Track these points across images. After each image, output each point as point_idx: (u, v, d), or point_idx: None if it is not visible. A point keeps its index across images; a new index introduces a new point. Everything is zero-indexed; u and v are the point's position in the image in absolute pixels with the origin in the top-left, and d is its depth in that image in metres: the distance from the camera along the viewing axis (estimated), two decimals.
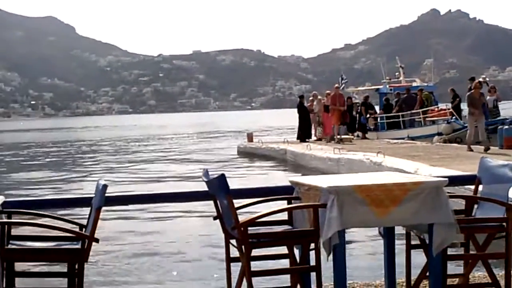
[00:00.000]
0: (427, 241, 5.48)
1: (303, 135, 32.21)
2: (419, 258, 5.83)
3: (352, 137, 32.32)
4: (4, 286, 5.05)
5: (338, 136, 29.93)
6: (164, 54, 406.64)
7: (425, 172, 15.03)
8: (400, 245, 5.86)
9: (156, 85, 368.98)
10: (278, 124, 73.66)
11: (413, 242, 5.86)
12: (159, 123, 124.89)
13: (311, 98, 34.67)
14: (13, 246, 5.23)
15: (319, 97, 33.80)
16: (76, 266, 5.21)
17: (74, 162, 35.55)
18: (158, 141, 56.11)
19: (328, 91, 33.54)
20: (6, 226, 5.14)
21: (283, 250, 5.66)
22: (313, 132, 33.68)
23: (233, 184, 5.56)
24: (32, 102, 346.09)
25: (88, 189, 18.69)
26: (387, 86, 38.18)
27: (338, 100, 30.70)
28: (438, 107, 33.93)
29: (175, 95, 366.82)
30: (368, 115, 34.80)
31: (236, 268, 5.53)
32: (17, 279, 5.31)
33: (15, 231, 5.50)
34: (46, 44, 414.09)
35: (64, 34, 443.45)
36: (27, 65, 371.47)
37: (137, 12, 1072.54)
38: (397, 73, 40.68)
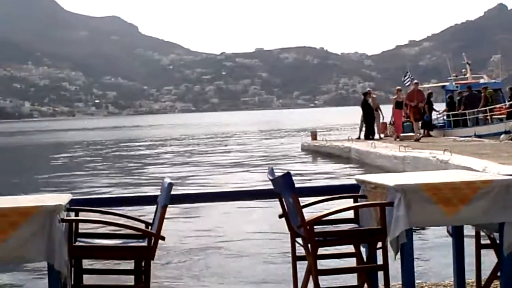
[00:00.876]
0: (497, 241, 5.36)
1: (368, 132, 31.92)
2: (489, 258, 5.71)
3: (420, 135, 31.76)
4: (72, 283, 5.10)
5: (419, 134, 29.39)
6: (227, 52, 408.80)
7: (494, 170, 14.72)
8: (469, 245, 5.75)
9: (219, 83, 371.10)
10: (342, 121, 73.35)
11: (482, 242, 5.74)
12: (222, 121, 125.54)
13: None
14: (81, 244, 5.28)
15: (373, 95, 33.33)
16: (143, 264, 5.24)
17: (139, 160, 35.90)
18: (221, 139, 56.33)
19: (398, 87, 33.04)
20: (73, 223, 5.19)
21: (350, 248, 5.60)
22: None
23: (298, 182, 5.52)
24: (96, 101, 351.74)
25: (154, 187, 18.86)
26: (453, 83, 37.58)
27: (417, 96, 30.02)
28: (506, 105, 33.17)
29: (238, 93, 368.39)
30: (440, 112, 34.46)
31: (302, 266, 5.49)
32: (85, 276, 5.37)
33: (82, 229, 5.55)
34: (110, 43, 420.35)
35: (127, 33, 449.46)
36: (91, 64, 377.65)
37: (200, 11, 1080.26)
38: (463, 70, 40.03)
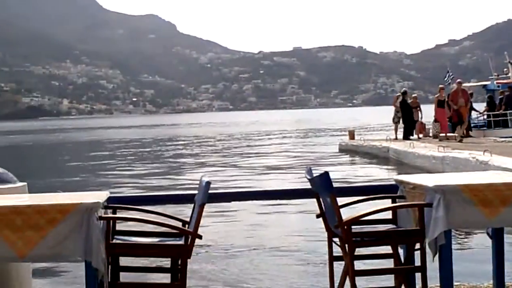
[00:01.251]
0: None
1: (406, 132, 31.67)
2: None
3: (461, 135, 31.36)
4: (109, 280, 5.13)
5: (459, 135, 29.12)
6: (265, 51, 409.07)
7: None
8: (509, 247, 5.67)
9: (256, 82, 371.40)
10: (380, 121, 72.93)
11: None
12: (259, 120, 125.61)
13: (398, 94, 33.79)
14: (118, 241, 5.31)
15: (414, 94, 33.04)
16: (179, 262, 5.25)
17: (176, 159, 36.05)
18: (258, 138, 56.36)
19: (441, 85, 32.73)
20: (111, 221, 5.22)
21: (387, 249, 5.56)
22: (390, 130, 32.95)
23: (336, 182, 5.49)
24: (134, 99, 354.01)
25: (191, 186, 18.92)
26: (495, 83, 37.15)
27: (462, 95, 29.37)
28: None
29: (275, 92, 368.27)
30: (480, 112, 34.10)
31: (339, 267, 5.46)
32: (121, 273, 5.40)
33: (119, 226, 5.58)
34: (148, 41, 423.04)
35: (165, 31, 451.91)
36: (128, 62, 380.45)
37: (238, 9, 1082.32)
38: (505, 69, 39.57)
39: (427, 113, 33.43)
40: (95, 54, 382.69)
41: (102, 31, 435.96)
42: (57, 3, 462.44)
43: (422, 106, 33.36)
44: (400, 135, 31.97)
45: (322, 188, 5.38)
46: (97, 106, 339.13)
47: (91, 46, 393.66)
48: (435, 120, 31.36)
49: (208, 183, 5.20)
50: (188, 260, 5.14)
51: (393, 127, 33.20)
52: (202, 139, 58.83)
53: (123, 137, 68.86)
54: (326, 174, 5.27)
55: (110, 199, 5.50)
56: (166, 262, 5.50)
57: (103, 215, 5.12)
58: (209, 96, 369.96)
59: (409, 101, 32.71)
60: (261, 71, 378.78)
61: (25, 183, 6.05)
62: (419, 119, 32.80)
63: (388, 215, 5.75)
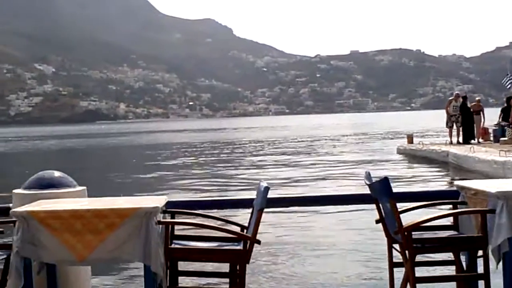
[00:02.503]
0: None
1: (466, 136, 31.21)
2: None
3: None
4: (167, 284, 5.14)
5: None
6: (322, 55, 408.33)
7: None
8: None
9: (313, 86, 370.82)
10: (438, 125, 72.11)
11: None
12: (316, 124, 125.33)
13: (450, 98, 33.22)
14: (177, 246, 5.33)
15: (460, 98, 32.47)
16: (238, 267, 5.24)
17: (233, 163, 36.10)
18: (315, 142, 56.20)
19: None
20: (169, 226, 5.23)
21: (449, 256, 5.47)
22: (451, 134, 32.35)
23: (395, 187, 5.42)
24: (190, 103, 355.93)
25: (249, 191, 18.93)
26: None
27: None
28: None
29: (332, 95, 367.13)
30: None
31: (399, 273, 5.39)
32: (180, 278, 5.41)
33: (177, 231, 5.59)
34: (204, 45, 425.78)
35: (222, 35, 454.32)
36: (185, 66, 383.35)
37: (294, 13, 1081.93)
38: None
39: (488, 117, 32.91)
40: (152, 58, 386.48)
41: (159, 35, 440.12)
42: (115, 7, 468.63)
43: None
44: (455, 139, 31.57)
45: (382, 194, 5.32)
46: (154, 110, 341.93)
47: (148, 50, 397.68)
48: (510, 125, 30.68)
49: (267, 188, 5.18)
50: (247, 265, 5.12)
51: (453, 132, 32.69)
52: (260, 143, 58.86)
53: (180, 141, 69.28)
54: (385, 179, 5.21)
55: (169, 204, 5.52)
56: (225, 267, 5.49)
57: (162, 220, 5.14)
58: (266, 100, 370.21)
59: (469, 105, 32.22)
60: (318, 75, 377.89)
61: (84, 187, 6.10)
62: (482, 123, 32.30)
63: (449, 221, 5.66)
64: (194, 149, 52.76)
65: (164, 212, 5.36)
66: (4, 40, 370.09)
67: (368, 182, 5.54)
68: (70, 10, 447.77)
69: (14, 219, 5.13)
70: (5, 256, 5.41)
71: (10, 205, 5.95)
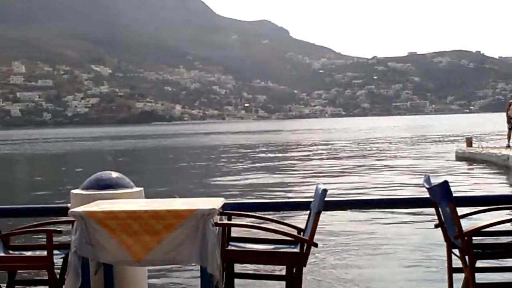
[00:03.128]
0: None
1: None
2: None
3: None
4: (223, 286, 5.13)
5: None
6: (379, 56, 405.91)
7: None
8: None
9: (370, 88, 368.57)
10: (498, 128, 71.05)
11: None
12: (373, 126, 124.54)
13: (511, 101, 32.57)
14: (233, 248, 5.30)
15: None
16: (294, 270, 5.20)
17: (289, 165, 36.04)
18: (372, 145, 55.84)
19: None
20: (226, 227, 5.22)
21: (511, 262, 5.34)
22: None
23: (454, 191, 5.32)
24: (246, 105, 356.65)
25: (305, 193, 18.87)
26: None
27: None
28: None
29: (389, 97, 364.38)
30: None
31: (458, 279, 5.28)
32: (236, 280, 5.38)
33: (234, 233, 5.58)
34: (260, 47, 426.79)
35: (278, 37, 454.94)
36: (241, 68, 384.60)
37: (351, 14, 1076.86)
38: None
39: None
40: (208, 60, 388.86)
41: (215, 36, 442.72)
42: (171, 9, 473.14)
43: None
44: None
45: (442, 197, 5.22)
46: (209, 111, 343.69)
47: (204, 52, 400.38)
48: None
49: (325, 190, 5.13)
50: (304, 268, 5.08)
51: None
52: (316, 145, 58.73)
53: (236, 142, 69.47)
54: (445, 183, 5.11)
55: (225, 206, 5.51)
56: (281, 270, 5.45)
57: (219, 222, 5.12)
58: (322, 102, 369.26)
59: None
60: (375, 77, 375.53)
61: (141, 188, 6.12)
62: None
63: (510, 227, 5.53)
64: (251, 150, 52.83)
65: (221, 214, 5.35)
66: (63, 42, 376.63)
67: (427, 186, 5.45)
68: (128, 13, 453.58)
69: (72, 219, 5.17)
70: (63, 255, 5.46)
71: (68, 205, 6.01)
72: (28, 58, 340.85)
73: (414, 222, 13.98)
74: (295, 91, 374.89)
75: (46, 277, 5.37)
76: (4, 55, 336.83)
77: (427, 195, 5.53)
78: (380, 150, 47.17)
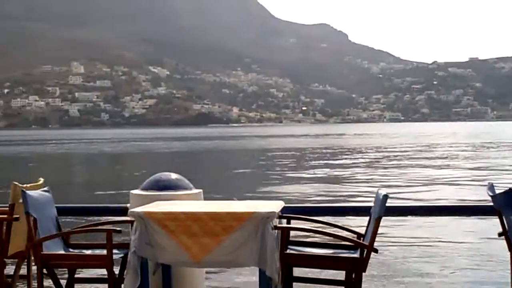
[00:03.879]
0: None
1: None
2: None
3: None
4: None
5: None
6: (439, 61, 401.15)
7: None
8: None
9: (429, 93, 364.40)
10: None
11: None
12: (433, 132, 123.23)
13: None
14: (292, 251, 5.28)
15: None
16: (353, 275, 5.15)
17: (348, 170, 35.80)
18: (433, 151, 55.23)
19: None
20: (286, 231, 5.20)
21: None
22: None
23: None
24: (303, 108, 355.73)
25: (366, 198, 18.72)
26: None
27: None
28: None
29: (449, 103, 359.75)
30: None
31: None
32: (294, 284, 5.36)
33: (292, 236, 5.55)
34: (319, 50, 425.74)
35: (337, 41, 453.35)
36: (299, 71, 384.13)
37: (411, 18, 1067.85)
38: None
39: None
40: (265, 63, 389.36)
41: (273, 39, 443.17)
42: (230, 12, 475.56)
43: None
44: None
45: (506, 206, 5.11)
46: (267, 114, 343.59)
47: (262, 55, 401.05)
48: None
49: (386, 196, 5.07)
50: (363, 273, 5.03)
51: None
52: (377, 150, 58.35)
53: (294, 146, 69.38)
54: (510, 191, 5.00)
55: (284, 209, 5.48)
56: (340, 275, 5.39)
57: (278, 225, 5.10)
58: (380, 106, 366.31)
59: None
60: (435, 82, 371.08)
61: (200, 190, 6.13)
62: None
63: None
64: (311, 154, 52.71)
65: (280, 217, 5.33)
66: (121, 43, 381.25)
67: (491, 194, 5.33)
68: (187, 15, 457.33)
69: (131, 219, 5.21)
70: (122, 255, 5.51)
71: (128, 205, 6.05)
72: (87, 58, 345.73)
73: (476, 230, 13.74)
74: (353, 95, 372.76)
75: (105, 276, 5.43)
76: (63, 56, 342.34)
77: (490, 203, 5.42)
78: (442, 156, 46.60)
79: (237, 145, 77.11)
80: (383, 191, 5.14)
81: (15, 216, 5.69)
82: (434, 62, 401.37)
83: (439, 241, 13.40)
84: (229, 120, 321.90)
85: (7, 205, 5.78)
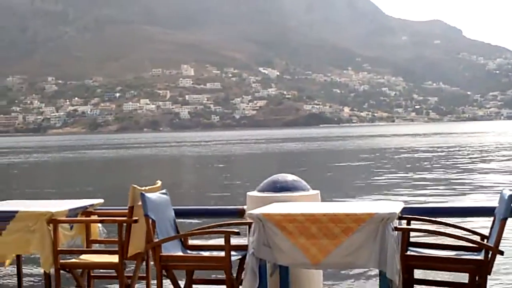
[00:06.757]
0: None
1: None
2: None
3: None
4: None
5: None
6: None
7: None
8: None
9: None
10: None
11: None
12: None
13: None
14: (413, 253, 5.18)
15: None
16: (477, 278, 4.99)
17: (466, 169, 34.96)
18: None
19: None
20: (406, 232, 5.09)
21: None
22: None
23: None
24: (416, 107, 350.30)
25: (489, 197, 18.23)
26: None
27: None
28: None
29: None
30: None
31: None
32: (415, 286, 5.24)
33: (412, 238, 5.43)
34: (432, 47, 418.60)
35: (450, 37, 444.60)
36: (411, 69, 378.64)
37: None
38: None
39: None
40: (377, 61, 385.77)
41: (385, 37, 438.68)
42: (340, 11, 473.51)
43: None
44: None
45: None
46: (379, 113, 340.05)
47: (373, 53, 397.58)
48: None
49: (511, 196, 4.88)
50: (488, 276, 4.87)
51: None
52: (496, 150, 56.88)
53: (407, 145, 68.46)
54: None
55: (404, 210, 5.37)
56: (462, 278, 5.23)
57: (398, 226, 5.00)
58: (497, 103, 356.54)
59: None
60: None
61: (317, 191, 6.08)
62: None
63: None
64: (426, 154, 51.89)
65: (399, 218, 5.22)
66: (231, 45, 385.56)
67: None
68: (297, 14, 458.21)
69: (248, 220, 5.21)
70: (240, 257, 5.52)
71: (245, 207, 6.07)
72: (197, 61, 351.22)
73: None
74: (468, 93, 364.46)
75: (223, 277, 5.46)
76: (174, 59, 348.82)
77: None
78: None
79: (350, 145, 76.60)
80: (509, 191, 4.96)
81: (134, 218, 5.80)
82: None
83: None
84: (340, 120, 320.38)
85: (126, 207, 5.89)
